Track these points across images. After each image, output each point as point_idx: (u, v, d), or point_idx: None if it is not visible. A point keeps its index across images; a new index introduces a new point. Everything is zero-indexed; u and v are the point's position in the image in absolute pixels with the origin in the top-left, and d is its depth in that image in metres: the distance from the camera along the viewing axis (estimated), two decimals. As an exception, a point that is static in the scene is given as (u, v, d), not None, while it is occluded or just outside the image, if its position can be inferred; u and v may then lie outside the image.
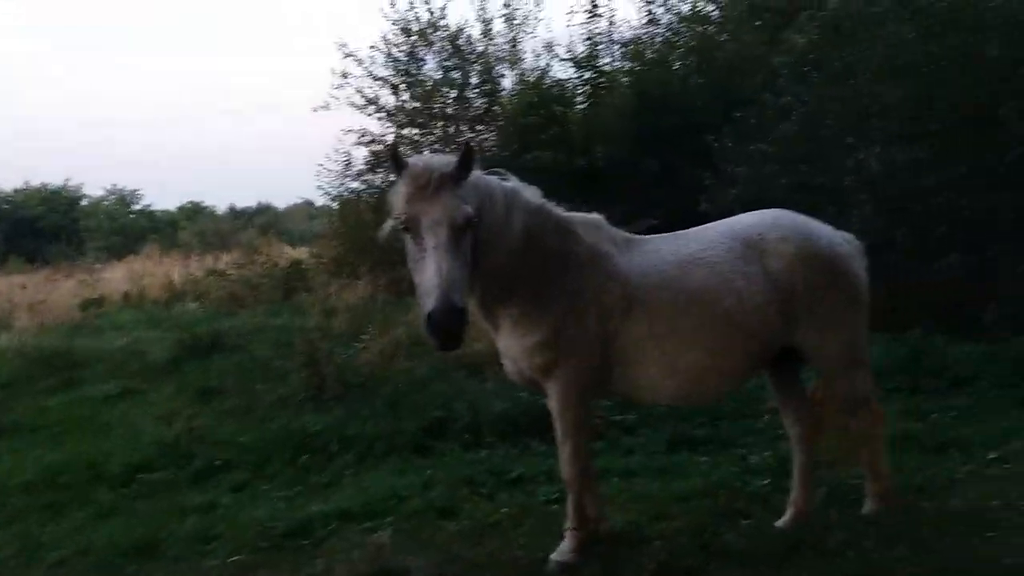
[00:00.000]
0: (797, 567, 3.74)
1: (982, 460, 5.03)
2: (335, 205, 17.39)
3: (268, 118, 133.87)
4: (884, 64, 9.05)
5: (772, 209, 4.26)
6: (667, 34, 16.12)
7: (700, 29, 15.32)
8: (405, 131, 17.35)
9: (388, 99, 18.17)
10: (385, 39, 18.14)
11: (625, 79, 15.21)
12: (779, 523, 4.28)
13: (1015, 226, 7.97)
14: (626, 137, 14.01)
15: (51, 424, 8.12)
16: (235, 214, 49.14)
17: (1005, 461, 4.94)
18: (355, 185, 17.24)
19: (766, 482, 4.91)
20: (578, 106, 15.40)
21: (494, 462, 5.60)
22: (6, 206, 39.74)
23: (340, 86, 17.49)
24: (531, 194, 3.94)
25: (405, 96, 18.36)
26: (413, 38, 18.29)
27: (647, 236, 4.15)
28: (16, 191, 41.43)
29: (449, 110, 17.75)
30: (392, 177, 3.45)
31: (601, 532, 4.21)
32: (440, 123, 17.83)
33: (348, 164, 17.02)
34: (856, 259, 4.15)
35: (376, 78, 17.88)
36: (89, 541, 4.82)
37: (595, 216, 4.06)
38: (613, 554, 4.03)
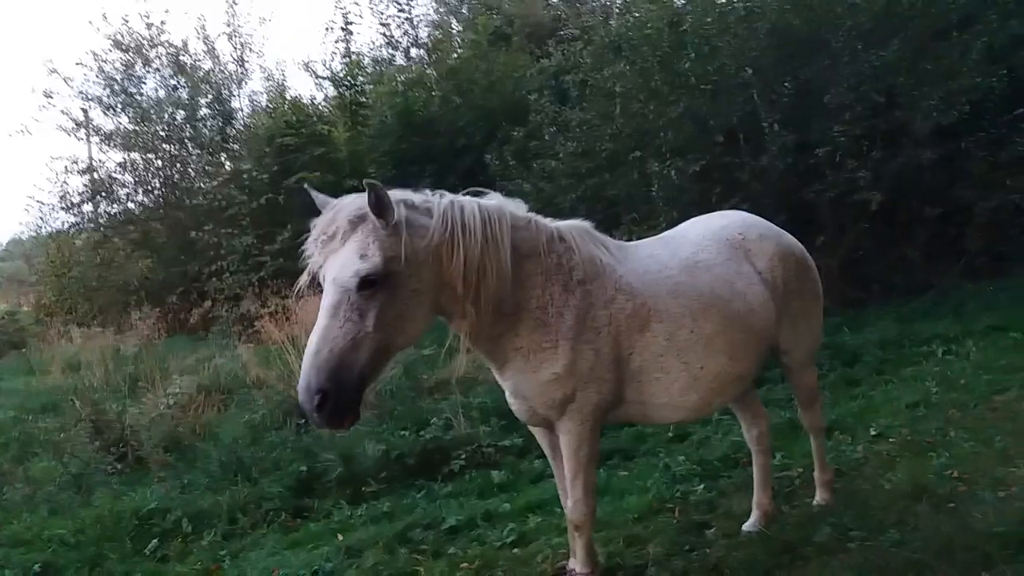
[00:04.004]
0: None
1: (865, 437, 5.42)
2: (50, 242, 14.97)
3: None
4: (663, 83, 9.77)
5: (734, 211, 4.22)
6: (414, 58, 16.16)
7: (455, 55, 15.52)
8: (133, 155, 15.41)
9: (103, 121, 16.12)
10: (95, 55, 16.11)
11: (383, 101, 14.86)
12: (746, 526, 4.22)
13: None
14: (393, 157, 13.68)
15: None
16: None
17: (888, 437, 5.36)
18: (71, 219, 15.01)
19: (698, 486, 4.90)
20: (342, 126, 14.75)
21: (417, 515, 4.95)
22: None
23: (44, 107, 15.12)
24: (516, 208, 3.48)
25: (123, 118, 16.41)
26: (129, 54, 16.41)
27: (635, 242, 3.88)
28: None
29: (182, 133, 16.12)
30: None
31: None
32: (170, 146, 16.12)
33: (64, 196, 14.73)
34: None
35: (88, 97, 15.78)
36: None
37: (583, 223, 3.65)
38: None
